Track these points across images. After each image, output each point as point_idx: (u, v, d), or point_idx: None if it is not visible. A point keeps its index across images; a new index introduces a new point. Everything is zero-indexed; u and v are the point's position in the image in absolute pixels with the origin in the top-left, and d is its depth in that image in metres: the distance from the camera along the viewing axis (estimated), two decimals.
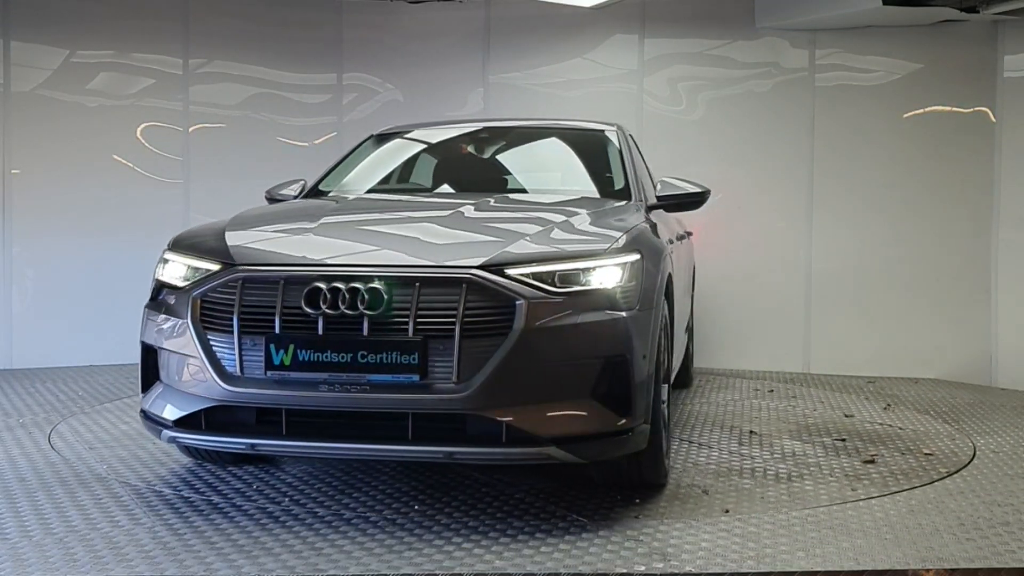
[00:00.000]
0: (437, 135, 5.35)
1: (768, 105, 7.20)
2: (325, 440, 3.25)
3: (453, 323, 3.10)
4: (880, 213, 6.97)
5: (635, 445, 3.35)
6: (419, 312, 3.13)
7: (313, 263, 3.32)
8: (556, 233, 3.56)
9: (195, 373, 3.32)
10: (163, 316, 3.47)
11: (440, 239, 3.55)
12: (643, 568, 2.87)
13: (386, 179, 4.97)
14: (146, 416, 3.55)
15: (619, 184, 4.55)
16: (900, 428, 4.90)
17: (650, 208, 4.41)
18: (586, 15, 7.30)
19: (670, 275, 3.94)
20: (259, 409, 3.28)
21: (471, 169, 5.05)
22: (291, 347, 3.18)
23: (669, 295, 3.95)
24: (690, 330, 6.38)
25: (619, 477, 3.61)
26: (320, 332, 3.16)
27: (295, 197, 4.72)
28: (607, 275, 3.31)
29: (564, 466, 3.60)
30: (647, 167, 5.91)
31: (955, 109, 6.86)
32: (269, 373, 3.20)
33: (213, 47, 7.42)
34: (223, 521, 3.31)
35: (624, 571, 2.85)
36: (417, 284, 3.16)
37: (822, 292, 7.08)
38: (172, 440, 3.47)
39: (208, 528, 3.23)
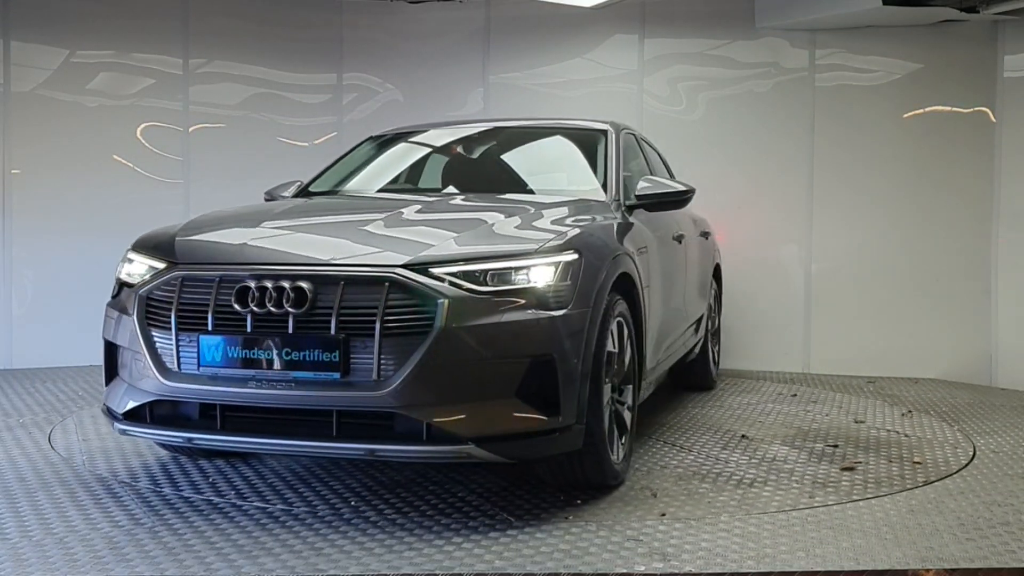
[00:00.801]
0: (429, 137, 5.35)
1: (768, 105, 7.20)
2: (256, 436, 3.33)
3: (374, 321, 3.13)
4: (880, 213, 6.97)
5: (565, 445, 3.34)
6: (341, 310, 3.17)
7: (243, 262, 3.39)
8: (491, 232, 3.57)
9: (140, 368, 3.43)
10: (118, 313, 3.60)
11: (372, 238, 3.55)
12: (643, 568, 2.87)
13: (369, 180, 5.00)
14: (105, 409, 3.66)
15: (597, 183, 4.51)
16: (906, 435, 4.79)
17: (632, 207, 4.38)
18: (586, 15, 7.31)
19: (631, 274, 3.87)
20: (201, 404, 3.37)
21: (453, 170, 5.07)
22: (222, 344, 3.27)
23: (633, 295, 3.93)
24: (714, 332, 6.35)
25: (563, 477, 3.60)
26: (249, 330, 3.23)
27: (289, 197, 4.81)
28: (536, 274, 3.30)
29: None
30: (666, 164, 5.94)
31: (955, 109, 6.86)
32: (202, 369, 3.29)
33: (213, 47, 7.42)
34: (223, 521, 3.31)
35: (624, 571, 2.85)
36: (341, 283, 3.20)
37: (822, 292, 7.08)
38: (123, 432, 3.57)
39: (208, 528, 3.23)
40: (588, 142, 4.86)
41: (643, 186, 4.42)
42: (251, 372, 3.23)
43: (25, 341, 6.79)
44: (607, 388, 3.59)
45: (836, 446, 4.52)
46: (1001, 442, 4.74)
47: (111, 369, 3.68)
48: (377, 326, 3.12)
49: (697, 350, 5.90)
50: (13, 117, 6.85)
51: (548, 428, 3.25)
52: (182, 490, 3.70)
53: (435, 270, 3.21)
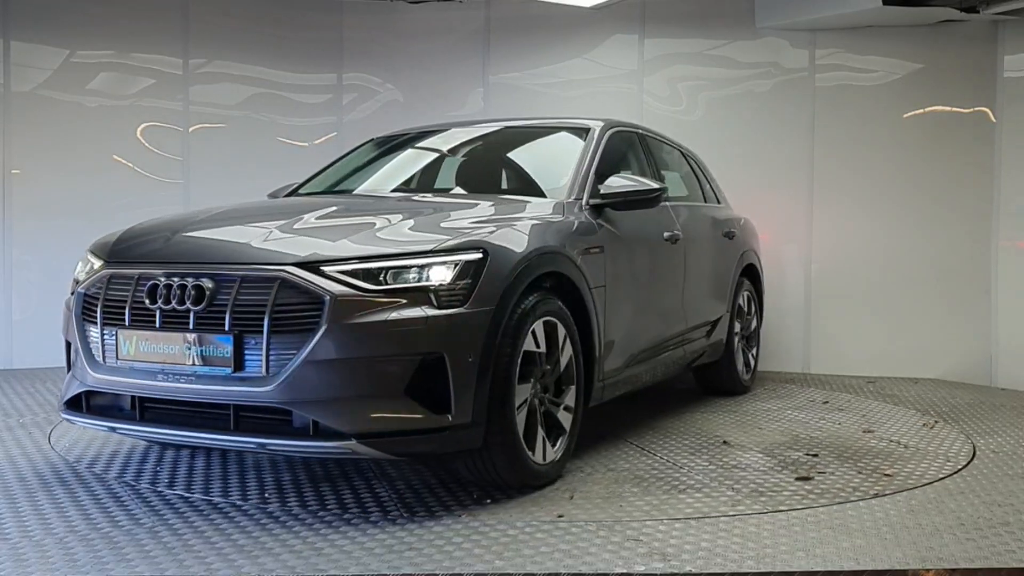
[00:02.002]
0: (421, 138, 5.34)
1: (768, 105, 7.20)
2: (168, 427, 3.47)
3: (263, 318, 3.23)
4: (880, 213, 6.97)
5: (459, 444, 3.37)
6: (235, 307, 3.28)
7: (159, 261, 3.55)
8: (394, 231, 3.58)
9: (77, 360, 3.68)
10: (67, 310, 3.84)
11: (279, 237, 3.57)
12: (643, 568, 2.87)
13: (351, 181, 5.05)
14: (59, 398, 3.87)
15: (561, 182, 4.49)
16: (905, 447, 4.56)
17: (598, 207, 4.35)
18: (586, 15, 7.31)
19: (569, 274, 3.88)
20: (131, 395, 3.54)
21: (426, 171, 5.07)
22: (135, 338, 3.46)
23: (579, 295, 3.95)
24: (748, 335, 6.21)
25: (477, 475, 3.61)
26: (157, 325, 3.40)
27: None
28: (429, 273, 3.33)
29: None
30: (693, 166, 5.96)
31: (955, 109, 6.86)
32: (119, 362, 3.50)
33: (213, 47, 7.43)
34: (223, 521, 3.31)
35: (624, 571, 2.85)
36: (238, 281, 3.32)
37: (822, 292, 7.09)
38: (66, 419, 3.80)
39: (208, 528, 3.23)
40: (570, 140, 4.84)
41: (609, 185, 4.38)
42: (159, 366, 3.40)
43: (25, 341, 6.79)
44: (525, 388, 3.58)
45: (815, 455, 4.33)
46: (1001, 442, 4.74)
47: (68, 363, 3.90)
48: (265, 323, 3.22)
49: (717, 353, 5.77)
50: (13, 117, 6.85)
51: (437, 426, 3.28)
52: (182, 490, 3.70)
53: (327, 268, 3.28)
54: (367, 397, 3.24)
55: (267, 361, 3.23)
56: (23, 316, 6.84)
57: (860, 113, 7.02)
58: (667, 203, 5.17)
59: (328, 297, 3.21)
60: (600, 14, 7.30)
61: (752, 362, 6.32)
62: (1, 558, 2.92)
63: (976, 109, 6.81)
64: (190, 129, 7.32)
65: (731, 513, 3.46)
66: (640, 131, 5.41)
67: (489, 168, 5.02)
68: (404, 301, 3.27)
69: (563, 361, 3.85)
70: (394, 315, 3.24)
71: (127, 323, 3.47)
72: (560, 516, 3.37)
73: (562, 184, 4.45)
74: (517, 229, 3.77)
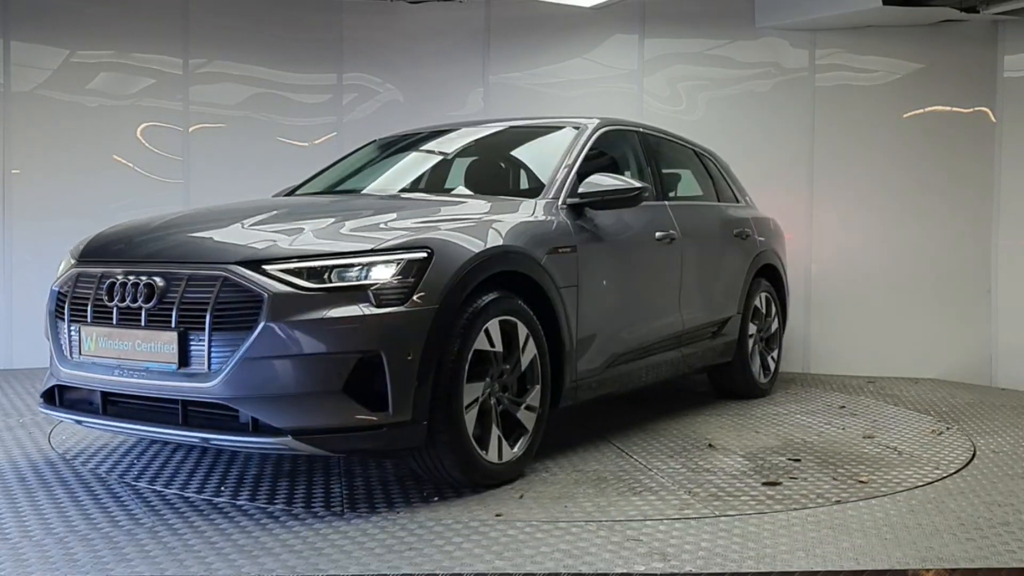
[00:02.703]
0: (420, 140, 5.36)
1: (768, 105, 7.20)
2: (126, 420, 3.58)
3: (206, 316, 3.31)
4: (880, 213, 6.97)
5: (399, 442, 3.39)
6: (181, 305, 3.38)
7: (120, 260, 3.68)
8: (340, 230, 3.62)
9: (50, 356, 3.83)
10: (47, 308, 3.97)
11: (227, 237, 3.64)
12: (643, 568, 2.87)
13: (344, 182, 5.09)
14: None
15: (539, 182, 4.49)
16: (898, 452, 4.38)
17: (576, 206, 4.34)
18: (586, 15, 7.31)
19: (531, 274, 3.90)
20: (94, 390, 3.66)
21: (411, 172, 5.09)
22: (95, 334, 3.59)
23: (542, 294, 3.96)
24: (767, 338, 6.10)
25: (428, 473, 3.65)
26: (115, 322, 3.52)
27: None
28: (370, 272, 3.37)
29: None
30: (710, 169, 5.94)
31: (955, 109, 6.87)
32: (82, 357, 3.63)
33: (213, 47, 7.42)
34: (223, 521, 3.31)
35: (624, 571, 2.85)
36: (185, 279, 3.41)
37: (822, 292, 7.09)
38: (43, 412, 3.91)
39: (208, 528, 3.23)
40: (558, 139, 4.81)
41: (588, 184, 4.37)
42: (116, 361, 3.52)
43: (25, 341, 6.79)
44: (476, 386, 3.59)
45: (798, 460, 4.22)
46: (1001, 442, 4.74)
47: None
48: (207, 320, 3.31)
49: (727, 355, 5.67)
50: (13, 117, 6.86)
51: (374, 424, 3.31)
52: (182, 490, 3.70)
53: (268, 267, 3.33)
54: (304, 394, 3.27)
55: (209, 358, 3.31)
56: (23, 316, 6.83)
57: (860, 113, 7.02)
58: (666, 202, 5.17)
59: (266, 295, 3.27)
60: (600, 14, 7.30)
61: (772, 365, 6.16)
62: (1, 558, 2.92)
63: (976, 109, 6.81)
64: (190, 129, 7.31)
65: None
66: (641, 130, 5.38)
67: (478, 168, 5.02)
68: (342, 299, 3.31)
69: (524, 361, 3.85)
70: (330, 313, 3.28)
71: (89, 320, 3.60)
72: (499, 515, 3.37)
73: (542, 184, 4.46)
74: (471, 229, 3.79)
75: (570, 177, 4.46)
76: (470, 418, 3.57)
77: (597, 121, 4.94)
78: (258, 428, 3.28)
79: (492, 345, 3.68)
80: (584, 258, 4.26)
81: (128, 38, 7.15)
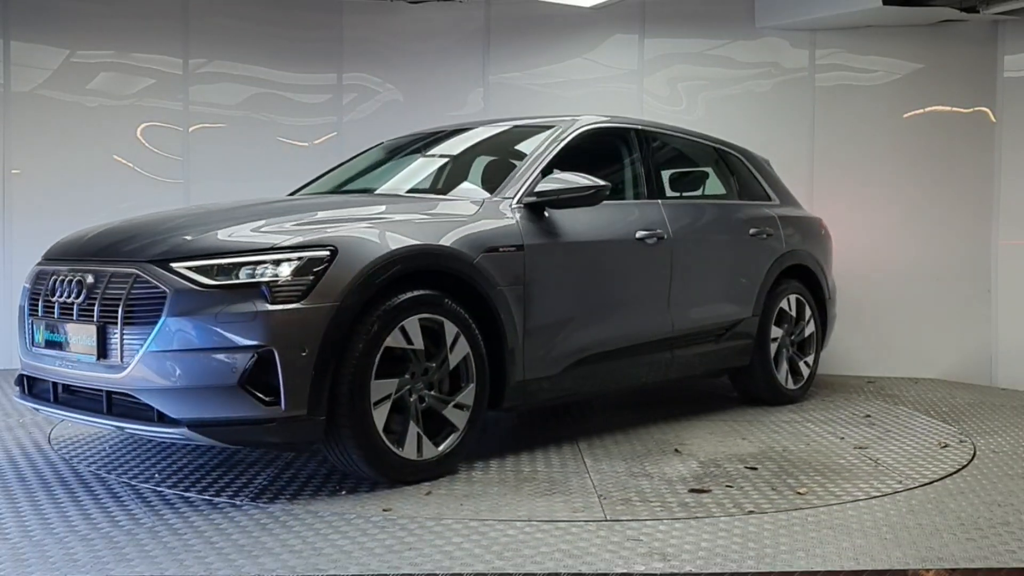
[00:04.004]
0: (421, 140, 5.36)
1: (768, 105, 7.20)
2: (69, 409, 3.80)
3: (119, 311, 3.54)
4: (880, 213, 6.97)
5: (294, 435, 3.48)
6: (102, 300, 3.61)
7: (65, 258, 3.94)
8: (251, 228, 3.71)
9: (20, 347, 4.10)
10: None
11: (150, 236, 3.77)
12: (643, 568, 2.87)
13: (335, 183, 5.14)
14: None
15: (498, 181, 4.48)
16: (874, 461, 4.18)
17: (534, 205, 4.32)
18: (586, 15, 7.31)
19: (464, 274, 3.93)
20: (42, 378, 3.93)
21: (396, 173, 5.11)
22: (42, 327, 3.87)
23: (476, 293, 3.98)
24: (799, 342, 5.86)
25: (342, 467, 3.77)
26: (56, 316, 3.79)
27: None
28: (268, 269, 3.48)
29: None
30: (732, 167, 5.85)
31: (955, 109, 6.87)
32: (33, 349, 3.94)
33: (213, 47, 7.42)
34: (223, 521, 3.31)
35: (624, 571, 2.85)
36: (107, 276, 3.63)
37: None
38: (16, 399, 4.13)
39: (208, 528, 3.23)
40: (539, 138, 4.78)
41: (544, 183, 4.35)
42: (56, 353, 3.79)
43: None
44: (389, 383, 3.65)
45: (754, 468, 4.09)
46: (1001, 442, 4.74)
47: None
48: (120, 314, 3.53)
49: (741, 360, 5.48)
50: (13, 117, 6.86)
51: (266, 417, 3.41)
52: (182, 490, 3.70)
53: (174, 264, 3.50)
54: (202, 387, 3.41)
55: (121, 350, 3.52)
56: None
57: (860, 113, 7.02)
58: (660, 201, 5.07)
59: (168, 291, 3.44)
60: (600, 14, 7.30)
61: (805, 371, 5.88)
62: (1, 558, 2.92)
63: (976, 109, 6.82)
64: (190, 129, 7.31)
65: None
66: (640, 128, 5.25)
67: (454, 169, 4.99)
68: (238, 296, 3.43)
69: (453, 359, 3.87)
70: (225, 309, 3.41)
71: (40, 314, 3.89)
72: (386, 510, 3.41)
73: (495, 184, 4.46)
74: (391, 227, 3.83)
75: (531, 176, 4.44)
76: (380, 414, 3.63)
77: (578, 120, 4.90)
78: (162, 418, 3.46)
79: (409, 343, 3.73)
80: (535, 257, 4.23)
81: (128, 38, 7.14)
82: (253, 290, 3.43)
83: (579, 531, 3.21)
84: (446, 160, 5.12)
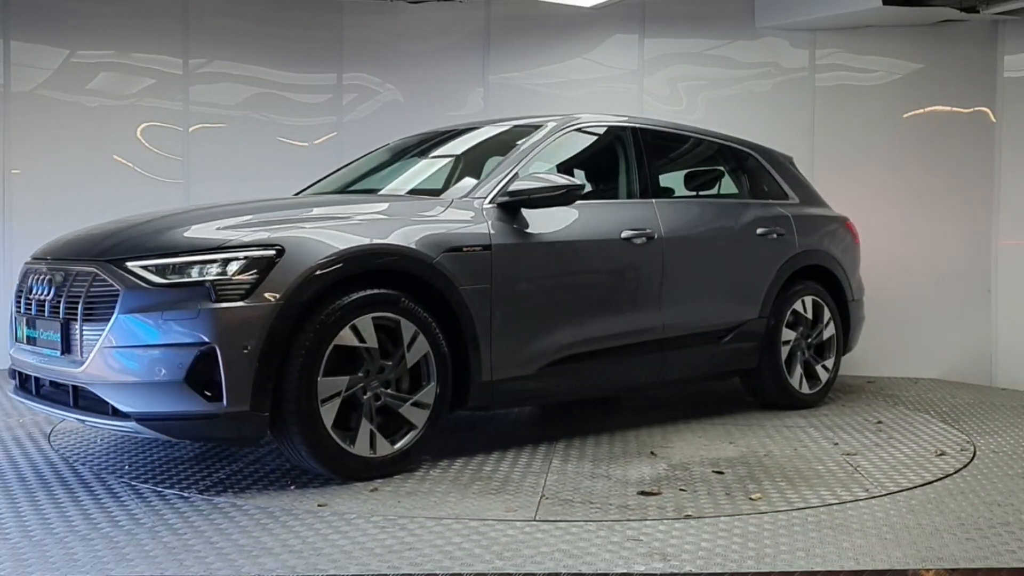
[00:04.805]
0: (419, 141, 5.37)
1: (768, 105, 7.20)
2: (47, 402, 3.92)
3: (78, 307, 3.69)
4: (880, 213, 6.97)
5: (238, 431, 3.58)
6: (67, 298, 3.75)
7: (46, 258, 4.04)
8: (203, 228, 3.80)
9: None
10: None
11: (115, 236, 3.88)
12: (643, 568, 2.87)
13: (339, 183, 5.17)
14: None
15: (470, 181, 4.49)
16: (847, 471, 4.01)
17: (506, 205, 4.31)
18: (586, 15, 7.31)
19: (419, 274, 3.95)
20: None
21: (401, 173, 5.12)
22: (23, 322, 4.04)
23: (438, 292, 4.00)
24: (817, 344, 5.68)
25: (296, 463, 3.88)
26: (33, 312, 3.95)
27: None
28: (213, 268, 3.58)
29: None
30: (730, 155, 5.74)
31: (955, 109, 6.87)
32: (17, 344, 4.11)
33: (213, 47, 7.43)
34: (223, 521, 3.31)
35: (624, 571, 2.85)
36: (73, 274, 3.77)
37: None
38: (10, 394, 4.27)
39: (208, 528, 3.23)
40: (509, 142, 4.76)
41: (517, 183, 4.35)
42: (32, 348, 3.95)
43: None
44: (339, 380, 3.70)
45: (720, 472, 4.01)
46: (1001, 442, 4.74)
47: None
48: (79, 311, 3.67)
49: (747, 362, 5.35)
50: (13, 117, 6.85)
51: (210, 412, 3.51)
52: (182, 490, 3.70)
53: (129, 264, 3.62)
54: (149, 382, 3.52)
55: (81, 346, 3.66)
56: None
57: (860, 113, 7.02)
58: (653, 200, 4.98)
59: (121, 289, 3.57)
60: (600, 14, 7.30)
61: (824, 375, 5.70)
62: (1, 558, 2.92)
63: (976, 109, 6.82)
64: (190, 129, 7.32)
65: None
66: (637, 126, 5.16)
67: (442, 169, 5.00)
68: (183, 294, 3.54)
69: (411, 358, 3.90)
70: (171, 307, 3.53)
71: (21, 310, 4.06)
72: (321, 505, 3.46)
73: (464, 184, 4.48)
74: (338, 227, 3.87)
75: (507, 176, 4.43)
76: (328, 411, 3.67)
77: (565, 119, 4.88)
78: (116, 412, 3.59)
79: (362, 341, 3.76)
80: (504, 257, 4.23)
81: (128, 38, 7.14)
82: (198, 288, 3.54)
83: (579, 531, 3.21)
84: (451, 160, 5.12)
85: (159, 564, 2.88)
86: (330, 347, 3.67)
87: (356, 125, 7.68)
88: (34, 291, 3.94)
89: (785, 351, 5.49)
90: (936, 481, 3.93)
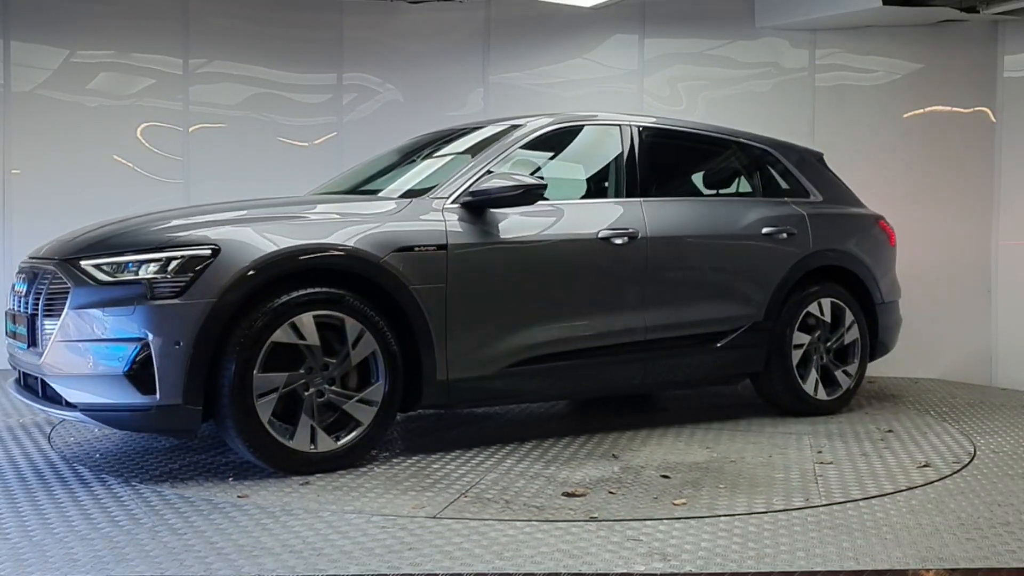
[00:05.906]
0: (422, 141, 5.35)
1: (768, 105, 7.20)
2: (30, 395, 4.07)
3: (40, 303, 3.90)
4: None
5: (171, 423, 3.73)
6: (34, 294, 3.96)
7: (32, 258, 4.20)
8: (160, 226, 3.92)
9: None
10: None
11: (80, 236, 4.05)
12: (643, 568, 2.87)
13: (344, 183, 5.19)
14: None
15: (432, 182, 4.49)
16: (803, 479, 3.88)
17: (469, 205, 4.31)
18: (586, 15, 7.31)
19: (373, 274, 3.99)
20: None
21: (379, 171, 5.12)
22: (10, 319, 4.21)
23: (389, 292, 4.03)
24: (832, 349, 5.42)
25: (241, 455, 4.02)
26: (14, 309, 4.16)
27: None
28: (150, 267, 3.74)
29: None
30: (739, 153, 5.63)
31: (955, 109, 6.87)
32: (8, 339, 4.25)
33: (213, 47, 7.42)
34: (223, 521, 3.31)
35: (624, 571, 2.85)
36: (41, 272, 3.96)
37: None
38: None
39: (208, 528, 3.23)
40: (488, 142, 4.75)
41: (483, 181, 4.35)
42: (15, 342, 4.14)
43: None
44: (277, 376, 3.79)
45: (667, 477, 3.92)
46: (1001, 442, 4.74)
47: None
48: (40, 306, 3.89)
49: (752, 365, 5.17)
50: (13, 117, 6.86)
51: (145, 405, 3.68)
52: (182, 490, 3.70)
53: (82, 262, 3.80)
54: (93, 375, 3.71)
55: (42, 339, 3.86)
56: None
57: (860, 113, 7.02)
58: (640, 199, 4.87)
59: (70, 287, 3.76)
60: (600, 14, 7.30)
61: (845, 381, 5.44)
62: (1, 558, 2.92)
63: (976, 109, 6.82)
64: (190, 129, 7.31)
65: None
66: (633, 124, 5.04)
67: (422, 170, 4.94)
68: (123, 291, 3.71)
69: (356, 356, 3.96)
70: (111, 304, 3.71)
71: (8, 307, 4.26)
72: (241, 497, 3.56)
73: (429, 185, 4.47)
74: (278, 227, 3.94)
75: (474, 175, 4.43)
76: (265, 406, 3.78)
77: (543, 119, 4.85)
78: (67, 403, 3.79)
79: (302, 338, 3.85)
80: (461, 257, 4.23)
81: (128, 38, 7.15)
82: (136, 286, 3.70)
83: (579, 531, 3.21)
84: (450, 159, 5.10)
85: (159, 564, 2.88)
86: (267, 344, 3.78)
87: (356, 125, 7.67)
88: (15, 288, 4.17)
89: (797, 355, 5.25)
90: (936, 481, 3.93)
